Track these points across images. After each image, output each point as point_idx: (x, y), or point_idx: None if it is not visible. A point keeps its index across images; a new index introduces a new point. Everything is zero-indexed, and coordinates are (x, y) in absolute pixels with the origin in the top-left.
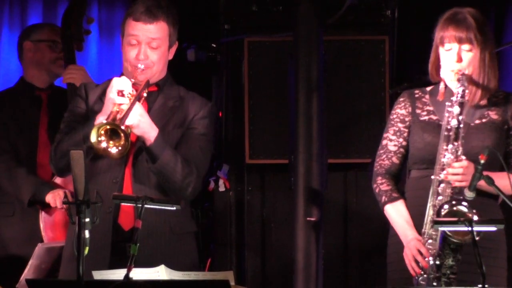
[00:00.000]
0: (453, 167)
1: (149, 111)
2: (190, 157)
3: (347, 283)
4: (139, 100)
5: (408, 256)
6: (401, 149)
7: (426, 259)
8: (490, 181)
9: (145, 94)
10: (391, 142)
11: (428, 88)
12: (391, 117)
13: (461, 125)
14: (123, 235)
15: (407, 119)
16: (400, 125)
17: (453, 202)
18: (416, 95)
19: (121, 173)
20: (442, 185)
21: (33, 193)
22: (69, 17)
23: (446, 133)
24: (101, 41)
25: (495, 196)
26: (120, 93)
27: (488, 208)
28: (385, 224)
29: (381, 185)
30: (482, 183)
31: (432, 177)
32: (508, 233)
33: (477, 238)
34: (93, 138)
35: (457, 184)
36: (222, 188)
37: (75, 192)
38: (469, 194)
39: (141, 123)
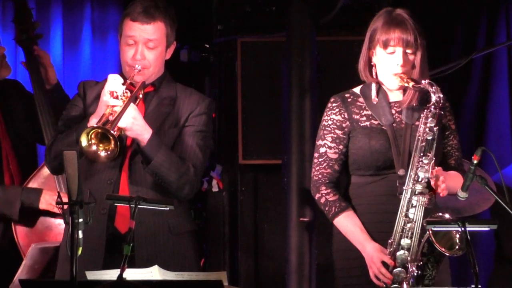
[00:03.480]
0: (441, 182)
1: (145, 112)
2: (187, 155)
3: None
4: (134, 101)
5: (374, 270)
6: (342, 156)
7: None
8: (483, 182)
9: (141, 95)
10: (331, 150)
11: (357, 90)
12: (325, 123)
13: (436, 136)
14: (120, 238)
15: (344, 125)
16: (338, 131)
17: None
18: (349, 99)
19: (117, 174)
20: (416, 197)
21: (22, 204)
22: (23, 20)
23: (421, 144)
24: (94, 42)
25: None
26: (115, 94)
27: None
28: None
29: (327, 195)
30: (451, 185)
31: (404, 187)
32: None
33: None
34: (83, 142)
35: (444, 193)
36: (215, 189)
37: (68, 193)
38: (462, 195)
39: (134, 125)
